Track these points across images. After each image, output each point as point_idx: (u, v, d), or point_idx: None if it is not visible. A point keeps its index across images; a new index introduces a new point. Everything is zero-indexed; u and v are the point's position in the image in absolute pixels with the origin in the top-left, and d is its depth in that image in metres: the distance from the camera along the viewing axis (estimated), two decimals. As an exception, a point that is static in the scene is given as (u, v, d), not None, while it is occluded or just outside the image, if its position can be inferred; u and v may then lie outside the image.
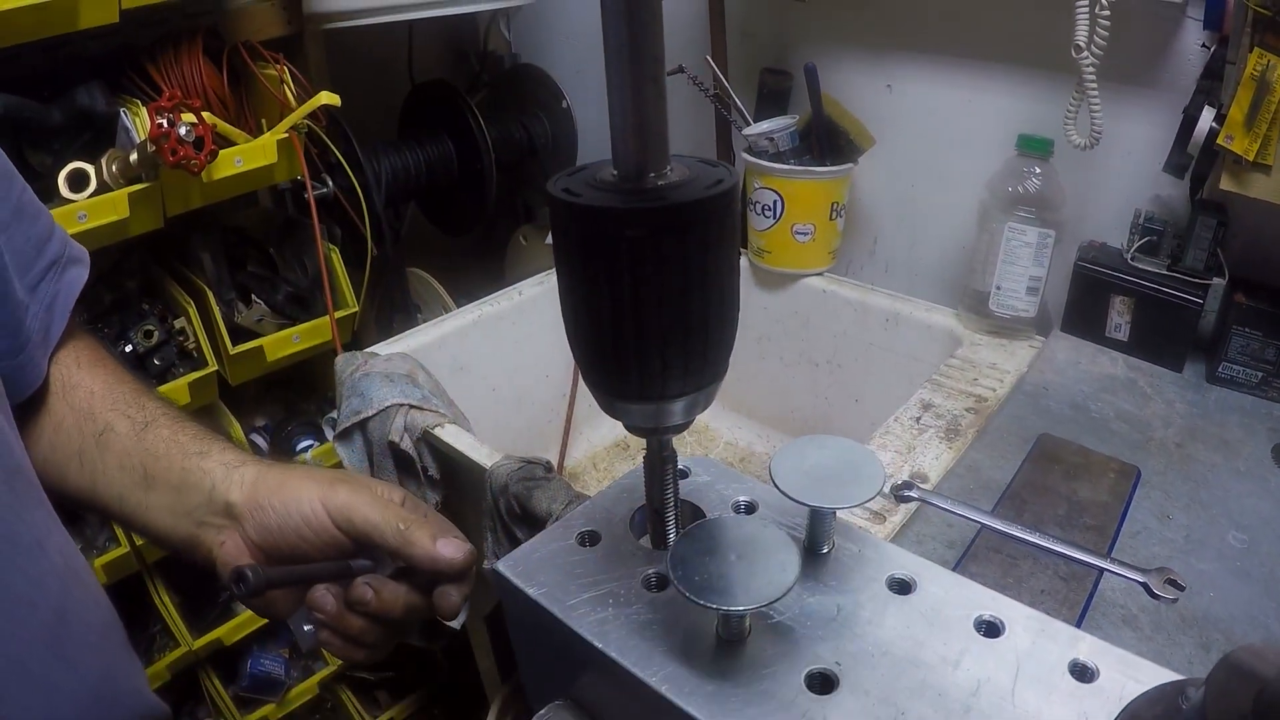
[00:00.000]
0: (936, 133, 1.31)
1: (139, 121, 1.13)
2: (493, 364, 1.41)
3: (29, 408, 0.67)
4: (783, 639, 0.41)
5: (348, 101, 1.39)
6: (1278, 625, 0.73)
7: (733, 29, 1.42)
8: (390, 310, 1.70)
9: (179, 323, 1.33)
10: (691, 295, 0.36)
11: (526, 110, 1.70)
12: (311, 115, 1.27)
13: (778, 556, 0.39)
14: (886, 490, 0.78)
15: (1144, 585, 0.62)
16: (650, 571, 0.47)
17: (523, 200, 1.89)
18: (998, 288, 1.16)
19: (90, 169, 1.10)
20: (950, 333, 1.25)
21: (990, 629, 0.38)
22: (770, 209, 1.32)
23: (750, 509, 0.50)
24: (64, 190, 1.08)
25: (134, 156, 1.10)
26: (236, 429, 1.46)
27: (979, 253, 1.19)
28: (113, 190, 1.11)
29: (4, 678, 0.53)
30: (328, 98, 1.23)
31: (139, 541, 1.34)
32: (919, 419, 1.05)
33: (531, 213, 1.89)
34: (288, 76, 1.26)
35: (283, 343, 1.40)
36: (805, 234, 1.33)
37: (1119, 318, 1.15)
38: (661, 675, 0.42)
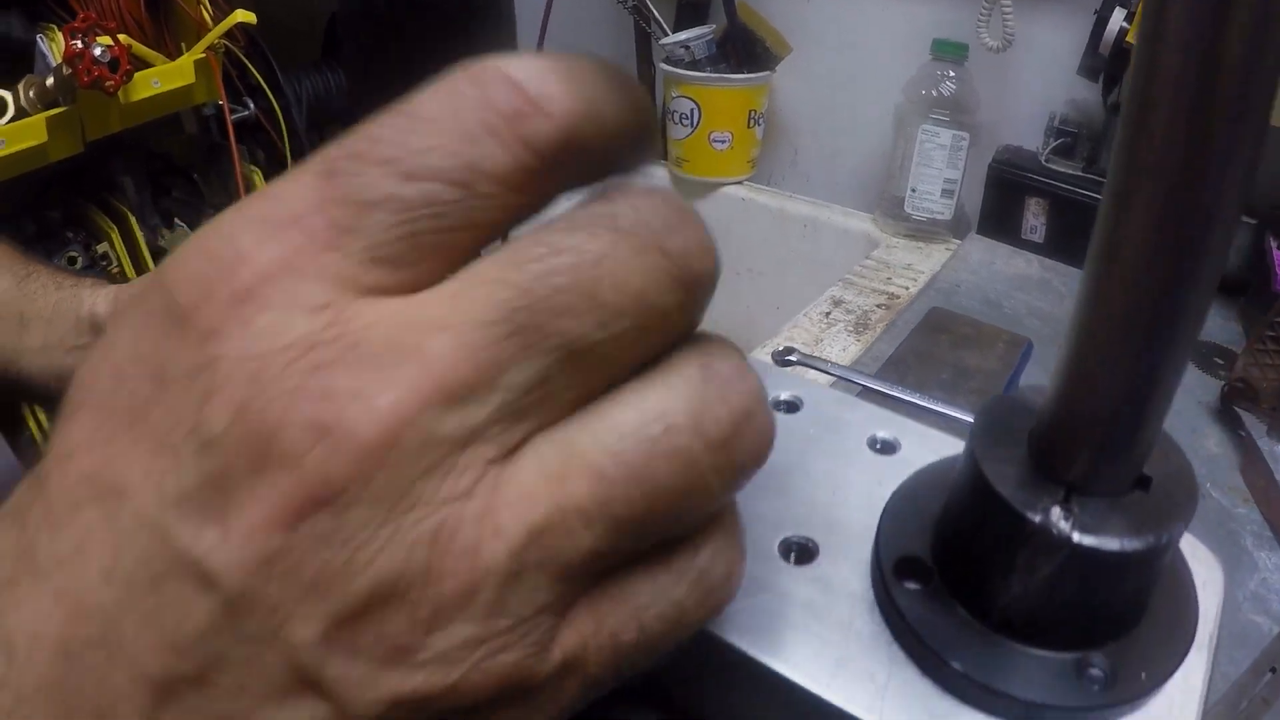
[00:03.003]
0: (854, 41, 1.34)
1: (55, 47, 1.12)
2: None
3: None
4: None
5: (268, 23, 1.37)
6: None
7: (650, -61, 1.42)
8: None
9: (102, 247, 1.33)
10: None
11: (468, 26, 1.69)
12: (230, 36, 1.26)
13: None
14: (767, 359, 0.81)
15: None
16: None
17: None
18: (912, 190, 1.20)
19: (8, 96, 1.10)
20: (868, 237, 1.28)
21: (789, 407, 0.40)
22: (687, 117, 1.34)
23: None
24: (-20, 116, 1.07)
25: (50, 80, 1.10)
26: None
27: (895, 158, 1.23)
28: (30, 116, 1.11)
29: None
30: (243, 15, 1.23)
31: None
32: (828, 314, 1.09)
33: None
34: (203, -3, 1.25)
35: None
36: (723, 142, 1.35)
37: (1034, 219, 1.19)
38: None
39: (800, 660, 0.28)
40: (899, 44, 1.27)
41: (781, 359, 0.81)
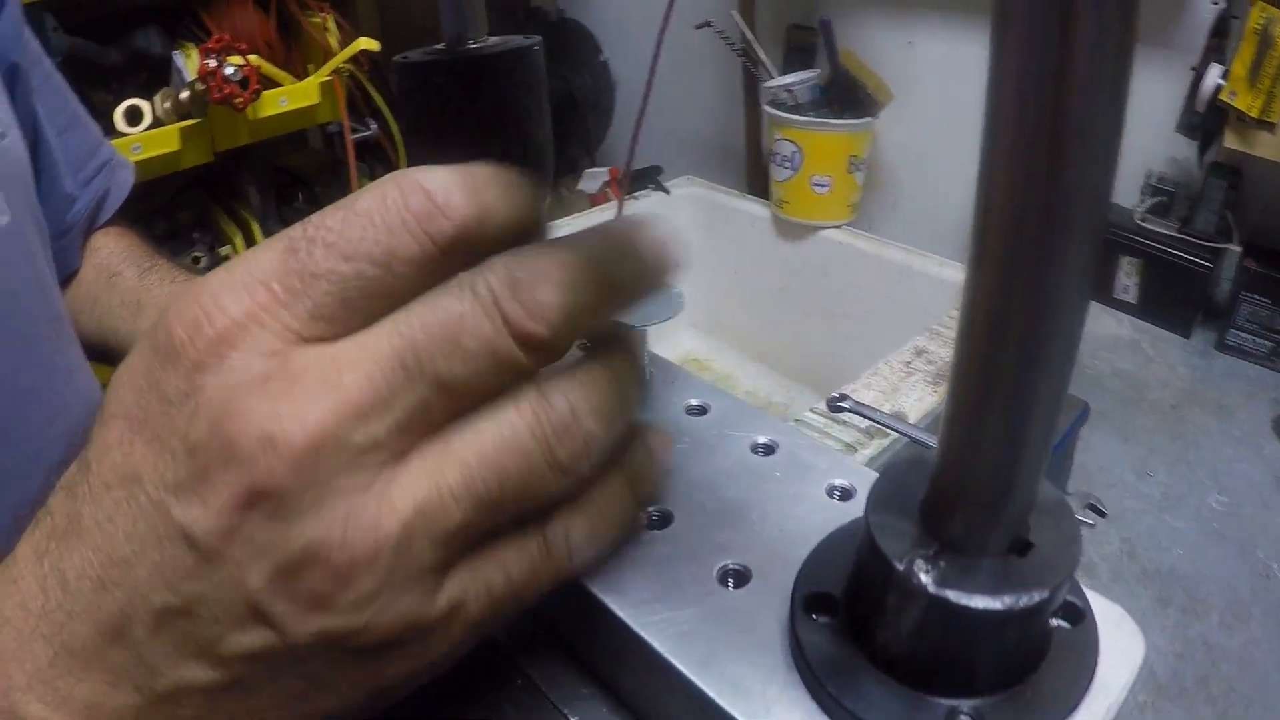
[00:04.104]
0: (956, 90, 1.33)
1: (190, 63, 1.22)
2: None
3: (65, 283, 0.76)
4: None
5: (396, 51, 1.43)
6: (1247, 590, 0.73)
7: (760, -16, 1.45)
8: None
9: (225, 250, 1.43)
10: (496, 132, 0.43)
11: (568, 63, 1.76)
12: (355, 60, 1.34)
13: None
14: (822, 406, 0.82)
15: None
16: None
17: (566, 153, 1.95)
18: (1001, 243, 1.17)
19: (145, 105, 1.20)
20: (959, 288, 1.26)
21: (766, 450, 0.42)
22: (789, 160, 1.35)
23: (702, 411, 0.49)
24: (120, 125, 1.17)
25: (185, 94, 1.19)
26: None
27: (990, 210, 1.20)
28: (165, 125, 1.21)
29: (32, 474, 0.60)
30: (366, 43, 1.31)
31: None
32: (909, 363, 1.08)
33: (574, 164, 1.95)
34: (332, 24, 1.34)
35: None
36: (823, 186, 1.36)
37: (1127, 279, 1.15)
38: None
39: (707, 666, 0.30)
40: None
41: (835, 405, 0.82)
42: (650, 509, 0.38)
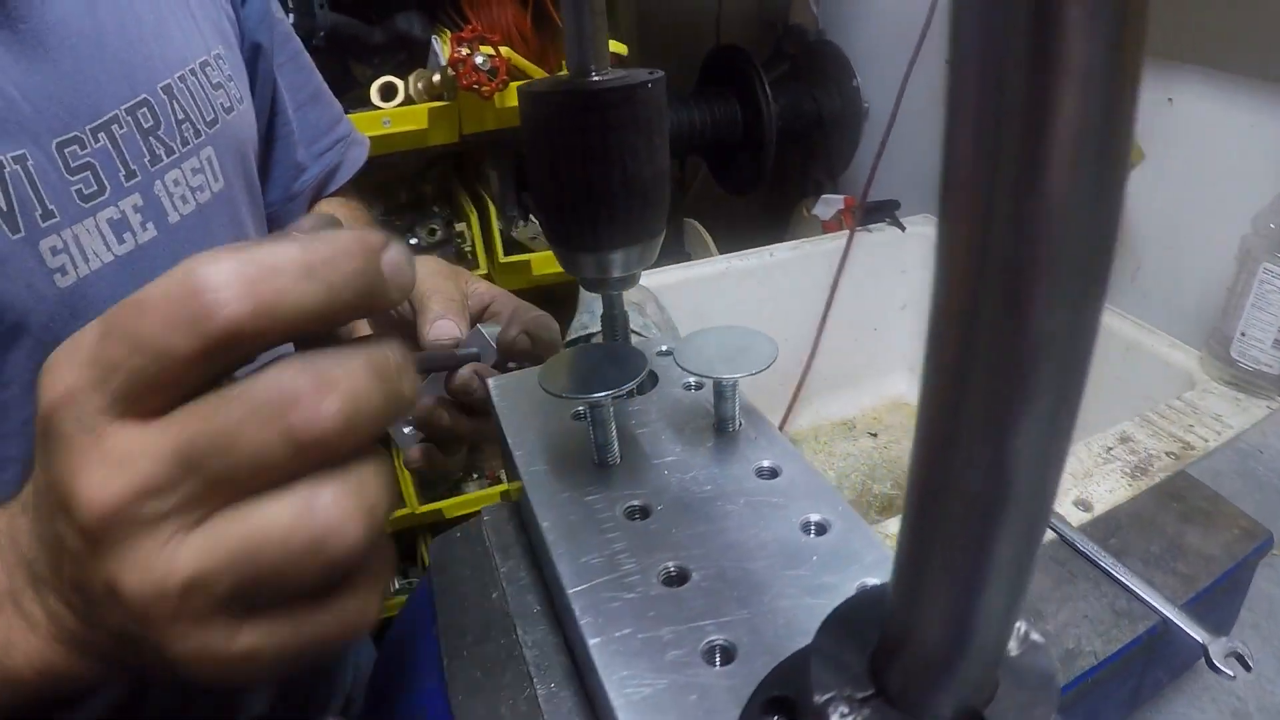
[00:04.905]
0: (1218, 157, 1.20)
1: (446, 48, 1.30)
2: (731, 316, 1.44)
3: None
4: (644, 477, 0.45)
5: (650, 55, 1.47)
6: None
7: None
8: (660, 252, 1.81)
9: (460, 226, 1.51)
10: (592, 164, 0.43)
11: (819, 84, 1.73)
12: (603, 60, 1.38)
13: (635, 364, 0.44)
14: None
15: (1203, 649, 0.57)
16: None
17: (809, 174, 1.92)
18: (1242, 334, 1.05)
19: (400, 83, 1.29)
20: (1188, 376, 1.15)
21: (818, 529, 0.40)
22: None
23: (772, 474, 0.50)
24: (375, 99, 1.27)
25: (437, 77, 1.28)
26: (497, 333, 1.64)
27: (1233, 294, 1.09)
28: (416, 104, 1.29)
29: None
30: (614, 46, 1.34)
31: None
32: (1110, 449, 0.99)
33: (820, 185, 1.92)
34: (585, 23, 1.38)
35: (549, 261, 1.53)
36: (1056, 244, 1.27)
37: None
38: (535, 472, 0.47)
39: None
40: (1259, 166, 1.12)
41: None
42: (670, 564, 0.37)
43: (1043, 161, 0.16)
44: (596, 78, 0.43)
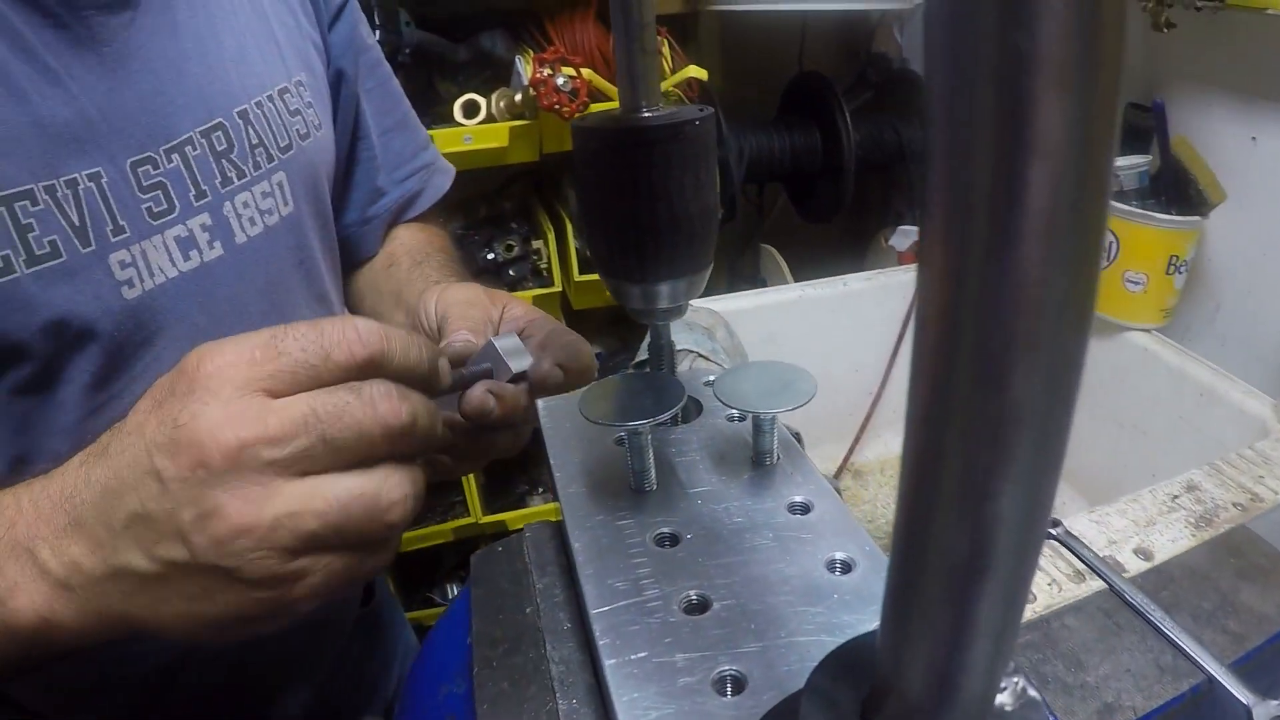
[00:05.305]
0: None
1: (528, 68, 1.33)
2: (803, 345, 1.44)
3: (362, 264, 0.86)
4: (677, 505, 0.47)
5: (733, 81, 1.48)
6: None
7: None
8: (736, 277, 1.82)
9: (537, 243, 1.54)
10: (639, 199, 0.45)
11: (901, 114, 1.72)
12: (684, 87, 1.40)
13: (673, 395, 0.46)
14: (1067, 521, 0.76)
15: (1247, 710, 0.56)
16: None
17: (890, 204, 1.91)
18: (1324, 386, 1.02)
19: (482, 101, 1.32)
20: (1262, 424, 1.11)
21: (843, 567, 0.40)
22: (1105, 250, 1.25)
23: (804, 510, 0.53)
24: (457, 115, 1.31)
25: (519, 96, 1.31)
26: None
27: (1318, 343, 1.05)
28: (497, 122, 1.32)
29: None
30: (695, 71, 1.36)
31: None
32: (1176, 497, 0.97)
33: (900, 216, 1.91)
34: (666, 49, 1.40)
35: (621, 281, 1.54)
36: (1137, 284, 1.24)
37: None
38: (573, 493, 0.49)
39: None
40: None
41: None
42: (691, 593, 0.38)
43: (1012, 236, 0.16)
44: (647, 114, 0.45)
